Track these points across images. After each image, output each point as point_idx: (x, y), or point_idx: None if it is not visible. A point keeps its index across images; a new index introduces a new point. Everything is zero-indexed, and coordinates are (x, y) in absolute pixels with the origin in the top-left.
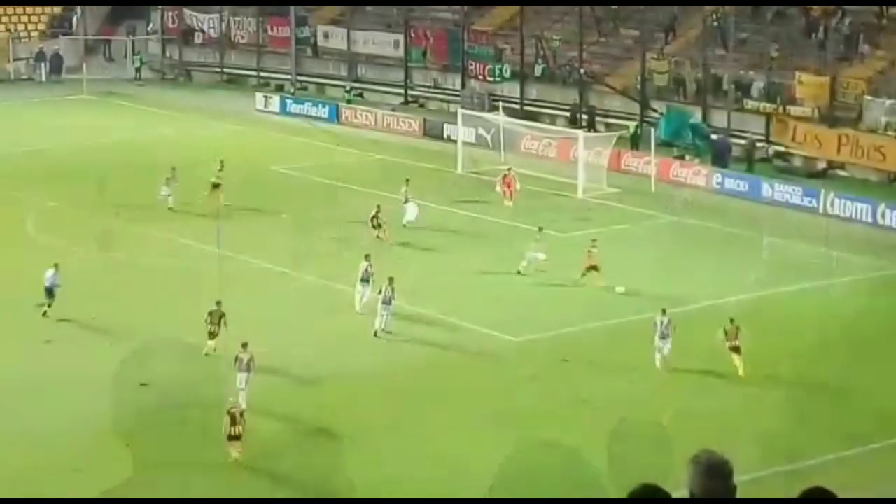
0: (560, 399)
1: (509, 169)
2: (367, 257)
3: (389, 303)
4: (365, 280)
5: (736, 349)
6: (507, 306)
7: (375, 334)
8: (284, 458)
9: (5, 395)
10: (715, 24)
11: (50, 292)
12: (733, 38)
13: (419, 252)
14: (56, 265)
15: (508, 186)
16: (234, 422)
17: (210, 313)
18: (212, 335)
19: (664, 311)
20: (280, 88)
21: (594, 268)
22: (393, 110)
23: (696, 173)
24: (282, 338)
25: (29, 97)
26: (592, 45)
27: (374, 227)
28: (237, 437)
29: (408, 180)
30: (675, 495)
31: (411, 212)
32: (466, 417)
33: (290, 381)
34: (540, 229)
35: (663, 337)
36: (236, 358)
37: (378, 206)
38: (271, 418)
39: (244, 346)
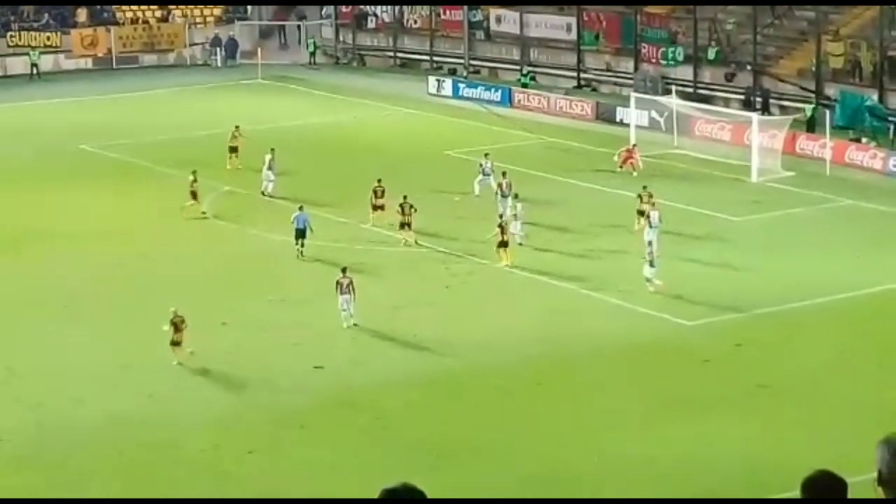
0: (736, 385)
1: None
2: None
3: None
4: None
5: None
6: (678, 289)
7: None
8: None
9: (186, 376)
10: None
11: (302, 233)
12: None
13: (588, 237)
14: (301, 207)
15: (627, 162)
16: (176, 330)
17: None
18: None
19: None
20: (453, 72)
21: None
22: (566, 94)
23: (872, 157)
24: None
25: (205, 82)
26: (767, 27)
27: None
28: (178, 343)
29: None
30: (850, 481)
31: None
32: (639, 404)
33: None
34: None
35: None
36: (337, 283)
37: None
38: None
39: (343, 270)
